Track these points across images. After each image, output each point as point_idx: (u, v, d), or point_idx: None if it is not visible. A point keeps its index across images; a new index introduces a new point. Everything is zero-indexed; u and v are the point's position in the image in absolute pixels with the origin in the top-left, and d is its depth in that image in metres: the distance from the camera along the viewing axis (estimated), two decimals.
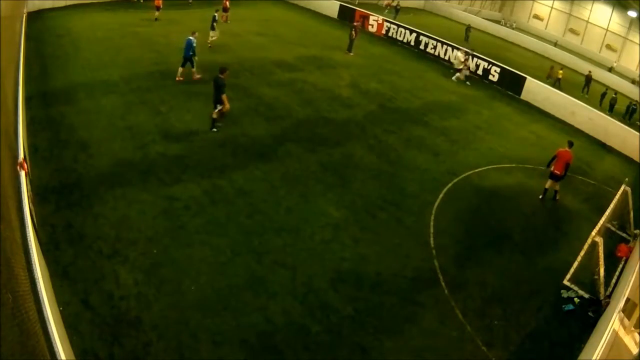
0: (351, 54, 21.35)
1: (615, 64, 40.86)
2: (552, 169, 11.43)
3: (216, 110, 11.30)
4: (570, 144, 11.63)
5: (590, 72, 28.36)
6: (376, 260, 8.27)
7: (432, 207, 10.34)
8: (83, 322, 5.89)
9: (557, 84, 26.10)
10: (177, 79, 14.16)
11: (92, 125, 10.66)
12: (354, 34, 21.45)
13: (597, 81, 28.54)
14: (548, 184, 11.72)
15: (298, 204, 9.42)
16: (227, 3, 22.33)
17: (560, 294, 8.60)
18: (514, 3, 52.66)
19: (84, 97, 11.92)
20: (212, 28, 17.98)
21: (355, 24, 22.49)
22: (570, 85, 27.23)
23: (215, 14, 18.10)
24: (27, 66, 11.82)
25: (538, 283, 8.79)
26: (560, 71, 27.84)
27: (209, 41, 17.92)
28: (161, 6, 20.81)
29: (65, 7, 19.81)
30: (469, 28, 34.43)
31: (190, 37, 13.85)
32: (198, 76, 14.34)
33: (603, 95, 26.26)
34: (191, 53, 13.87)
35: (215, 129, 11.52)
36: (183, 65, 14.09)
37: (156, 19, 20.51)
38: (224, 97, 11.16)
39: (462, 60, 21.23)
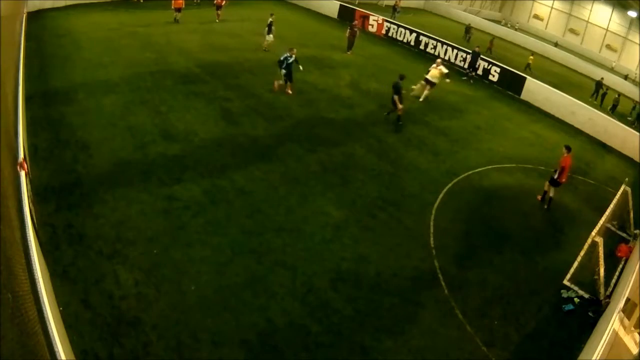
0: (348, 53, 21.36)
1: (614, 64, 40.85)
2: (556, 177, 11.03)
3: (398, 109, 13.68)
4: (568, 149, 10.99)
5: (602, 78, 28.29)
6: (376, 260, 8.27)
7: (432, 207, 10.34)
8: (83, 322, 5.89)
9: (527, 69, 26.51)
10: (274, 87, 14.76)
11: (92, 125, 10.66)
12: (350, 34, 21.43)
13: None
14: (547, 186, 11.49)
15: (298, 204, 9.42)
16: (221, 1, 22.27)
17: (560, 294, 8.61)
18: (514, 3, 52.66)
19: (84, 97, 11.91)
20: (269, 32, 18.69)
21: (353, 23, 22.44)
22: (567, 84, 27.24)
23: (271, 18, 18.59)
24: (27, 66, 11.81)
25: (538, 283, 8.79)
26: (531, 57, 28.90)
27: (264, 45, 18.94)
28: (183, 7, 20.79)
29: (65, 7, 19.78)
30: (468, 28, 34.40)
31: (287, 54, 14.24)
32: (289, 91, 14.81)
33: (603, 95, 26.27)
34: (283, 67, 14.27)
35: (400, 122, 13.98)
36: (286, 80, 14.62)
37: (177, 20, 20.65)
38: (396, 98, 13.50)
39: (445, 72, 17.35)
